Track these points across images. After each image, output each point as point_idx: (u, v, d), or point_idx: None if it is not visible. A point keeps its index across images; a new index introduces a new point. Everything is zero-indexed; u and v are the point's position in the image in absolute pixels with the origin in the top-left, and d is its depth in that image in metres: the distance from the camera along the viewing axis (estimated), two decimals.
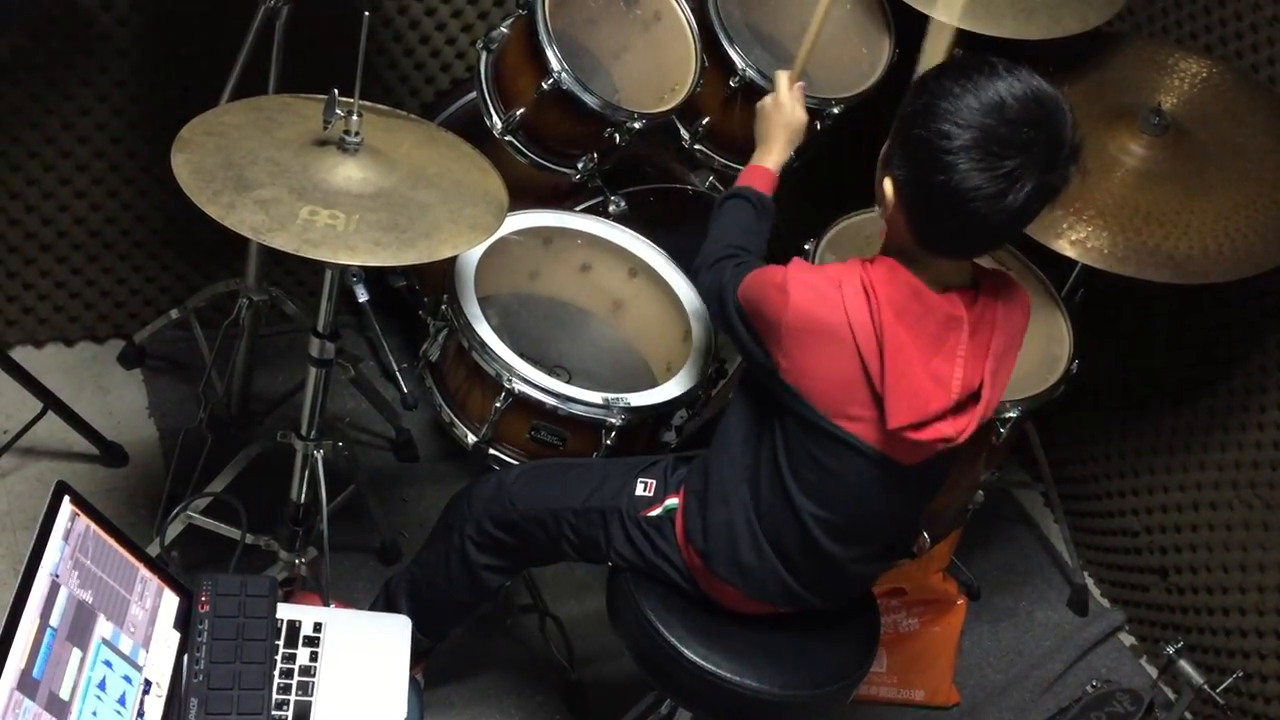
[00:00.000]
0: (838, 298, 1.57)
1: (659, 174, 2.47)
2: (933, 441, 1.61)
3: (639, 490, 1.86)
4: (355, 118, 1.75)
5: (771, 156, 1.98)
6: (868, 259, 1.62)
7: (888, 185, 1.57)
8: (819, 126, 2.33)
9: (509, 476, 1.95)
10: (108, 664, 1.53)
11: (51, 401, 2.33)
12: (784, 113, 1.99)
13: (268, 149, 1.76)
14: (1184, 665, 2.18)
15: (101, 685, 1.51)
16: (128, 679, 1.55)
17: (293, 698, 1.69)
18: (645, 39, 2.31)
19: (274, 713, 1.66)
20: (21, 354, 2.56)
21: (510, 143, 2.20)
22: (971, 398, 1.62)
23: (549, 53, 2.07)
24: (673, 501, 1.83)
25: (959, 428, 1.62)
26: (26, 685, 1.42)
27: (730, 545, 1.76)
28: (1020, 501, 2.96)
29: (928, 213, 1.54)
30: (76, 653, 1.50)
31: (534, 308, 2.23)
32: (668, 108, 2.20)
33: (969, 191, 1.47)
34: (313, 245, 1.64)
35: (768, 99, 2.01)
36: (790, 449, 1.69)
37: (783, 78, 2.02)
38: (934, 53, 2.07)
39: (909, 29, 2.41)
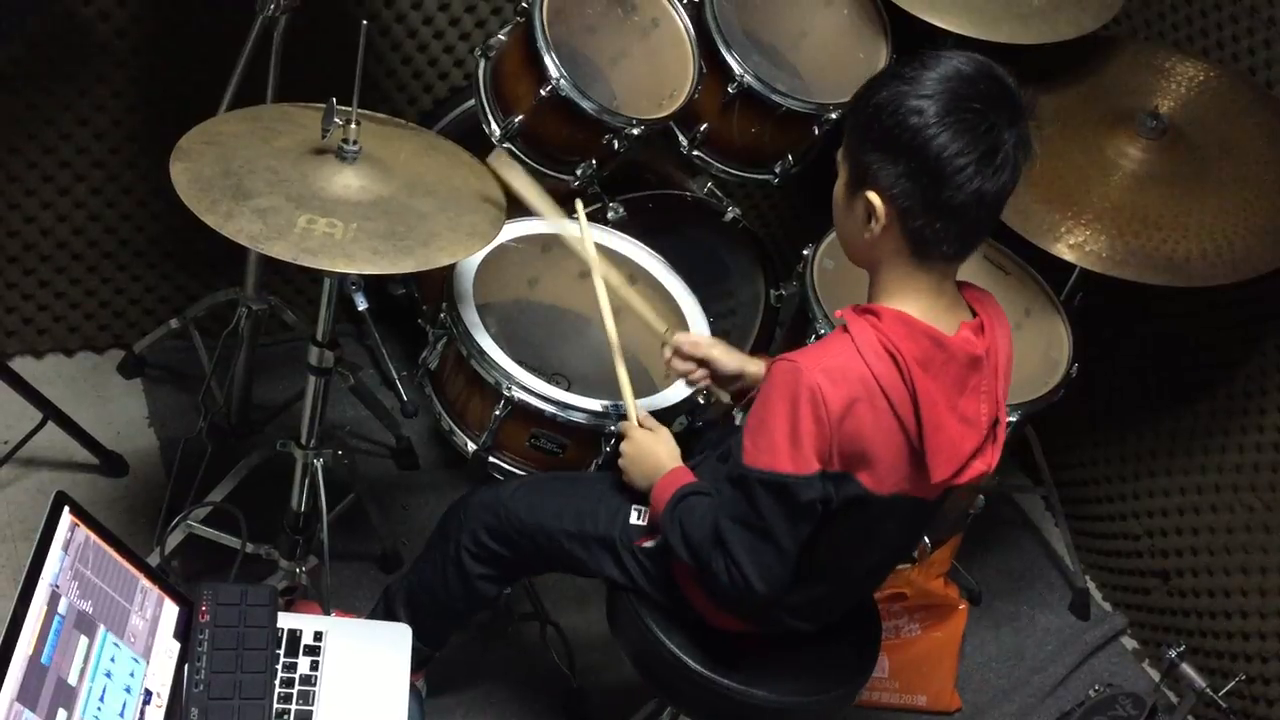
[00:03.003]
0: (861, 366, 1.51)
1: (657, 180, 2.48)
2: (971, 480, 1.61)
3: (634, 519, 1.84)
4: (353, 126, 1.75)
5: (672, 464, 1.80)
6: (868, 313, 1.55)
7: (872, 198, 1.49)
8: (817, 132, 2.34)
9: (506, 490, 1.94)
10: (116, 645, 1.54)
11: (51, 412, 2.33)
12: (647, 442, 1.83)
13: (266, 158, 1.76)
14: (1186, 669, 2.18)
15: (108, 673, 1.52)
16: (135, 662, 1.55)
17: (294, 707, 1.68)
18: (643, 46, 2.32)
19: None
20: (21, 364, 2.56)
21: (509, 149, 2.20)
22: (993, 424, 1.62)
23: (547, 60, 2.08)
24: None
25: (990, 461, 1.62)
26: (28, 692, 1.42)
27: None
28: (1021, 506, 2.96)
29: (923, 202, 1.48)
30: (84, 640, 1.50)
31: (533, 315, 2.24)
32: (666, 114, 2.21)
33: (958, 158, 1.44)
34: (311, 254, 1.64)
35: (625, 448, 1.84)
36: (818, 530, 1.63)
37: (630, 424, 1.87)
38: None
39: (905, 33, 2.42)
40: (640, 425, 1.86)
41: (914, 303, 1.55)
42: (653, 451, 1.82)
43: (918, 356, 1.52)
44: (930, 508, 1.69)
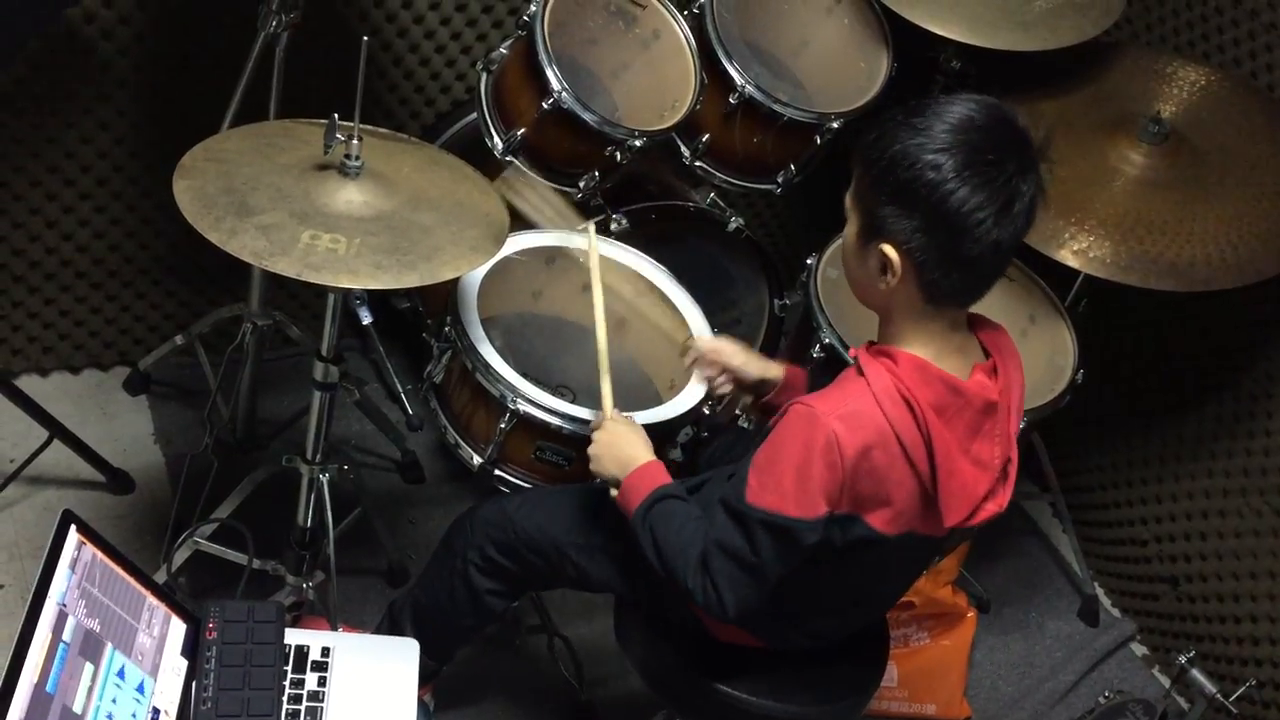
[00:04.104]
0: (877, 413, 1.50)
1: (660, 191, 2.48)
2: (982, 522, 1.61)
3: None
4: (356, 142, 1.76)
5: (640, 459, 1.73)
6: (884, 355, 1.55)
7: (888, 252, 1.48)
8: (819, 141, 2.34)
9: (513, 504, 1.94)
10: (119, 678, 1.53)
11: (57, 430, 2.33)
12: (619, 432, 1.77)
13: (269, 174, 1.76)
14: (1196, 674, 2.16)
15: (120, 673, 1.52)
16: (142, 682, 1.55)
17: None
18: (644, 57, 2.32)
19: None
20: (27, 382, 2.56)
21: (511, 163, 2.20)
22: (1004, 463, 1.62)
23: (549, 73, 2.08)
24: None
25: (1002, 501, 1.62)
26: (37, 708, 1.42)
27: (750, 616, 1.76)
28: (1029, 512, 2.95)
29: (939, 255, 1.47)
30: (89, 667, 1.50)
31: (537, 327, 2.23)
32: (668, 125, 2.21)
33: (976, 212, 1.43)
34: (314, 269, 1.64)
35: (600, 436, 1.77)
36: (829, 567, 1.63)
37: (597, 416, 1.82)
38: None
39: (907, 43, 2.42)
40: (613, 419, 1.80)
41: (926, 346, 1.54)
42: (627, 439, 1.76)
43: (934, 403, 1.51)
44: (939, 542, 1.69)
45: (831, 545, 1.57)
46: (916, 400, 1.50)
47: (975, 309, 1.62)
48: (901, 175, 1.45)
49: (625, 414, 1.85)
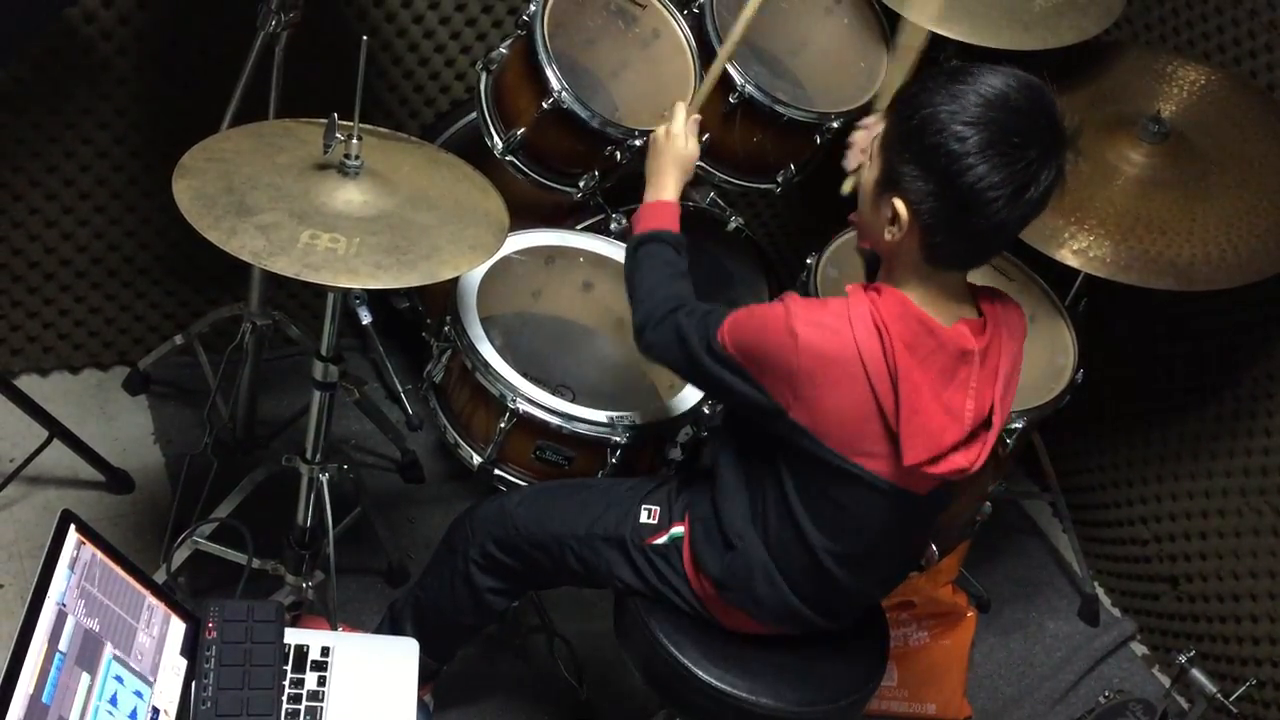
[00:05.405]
0: (848, 333, 1.54)
1: None
2: (948, 473, 1.61)
3: (643, 517, 1.85)
4: (355, 141, 1.76)
5: (667, 190, 1.89)
6: (872, 287, 1.60)
7: (899, 206, 1.52)
8: (819, 141, 2.34)
9: (512, 500, 1.94)
10: (118, 680, 1.53)
11: (57, 429, 2.33)
12: (676, 146, 1.91)
13: (268, 174, 1.76)
14: (1196, 674, 2.16)
15: (113, 700, 1.52)
16: (139, 694, 1.55)
17: None
18: (644, 56, 2.32)
19: None
20: (26, 382, 2.56)
21: (511, 162, 2.20)
22: (983, 424, 1.62)
23: (549, 72, 2.08)
24: (678, 530, 1.82)
25: (972, 457, 1.62)
26: (35, 712, 1.42)
27: (745, 579, 1.76)
28: (1028, 512, 2.95)
29: (947, 223, 1.51)
30: (85, 677, 1.49)
31: (537, 327, 2.24)
32: None
33: (989, 190, 1.45)
34: (314, 269, 1.64)
35: (660, 131, 1.93)
36: (799, 485, 1.68)
37: (680, 109, 1.94)
38: (900, 68, 2.04)
39: None
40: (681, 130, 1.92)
41: (916, 292, 1.58)
42: (666, 161, 1.90)
43: (906, 339, 1.54)
44: (923, 503, 1.69)
45: (791, 445, 1.62)
46: (888, 330, 1.54)
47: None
48: (927, 139, 1.48)
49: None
